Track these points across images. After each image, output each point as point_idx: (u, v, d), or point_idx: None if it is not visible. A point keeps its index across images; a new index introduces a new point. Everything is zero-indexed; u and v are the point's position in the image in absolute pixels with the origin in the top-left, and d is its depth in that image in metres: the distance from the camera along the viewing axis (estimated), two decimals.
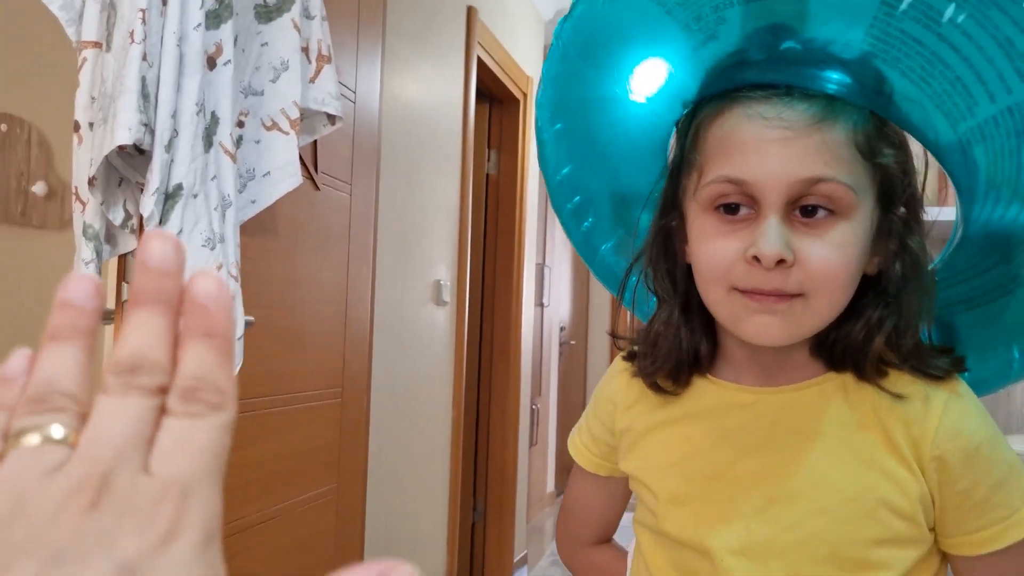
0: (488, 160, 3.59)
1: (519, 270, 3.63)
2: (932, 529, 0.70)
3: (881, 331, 0.68)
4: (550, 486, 5.11)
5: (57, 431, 0.25)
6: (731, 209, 0.66)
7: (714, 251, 0.67)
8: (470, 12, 2.91)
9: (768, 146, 0.64)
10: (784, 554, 0.69)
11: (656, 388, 0.76)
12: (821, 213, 0.64)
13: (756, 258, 0.64)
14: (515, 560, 3.64)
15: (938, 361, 0.69)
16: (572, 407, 5.61)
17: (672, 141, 0.78)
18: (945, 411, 0.68)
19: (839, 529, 0.68)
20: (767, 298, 0.65)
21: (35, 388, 0.26)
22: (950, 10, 0.59)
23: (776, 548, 0.69)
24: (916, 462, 0.68)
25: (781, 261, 0.63)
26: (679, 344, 0.74)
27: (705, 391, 0.76)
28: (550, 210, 5.34)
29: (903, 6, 0.60)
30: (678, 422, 0.76)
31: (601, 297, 5.96)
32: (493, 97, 3.53)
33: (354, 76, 1.89)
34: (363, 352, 2.01)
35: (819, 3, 0.63)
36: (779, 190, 0.63)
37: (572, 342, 5.53)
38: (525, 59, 3.63)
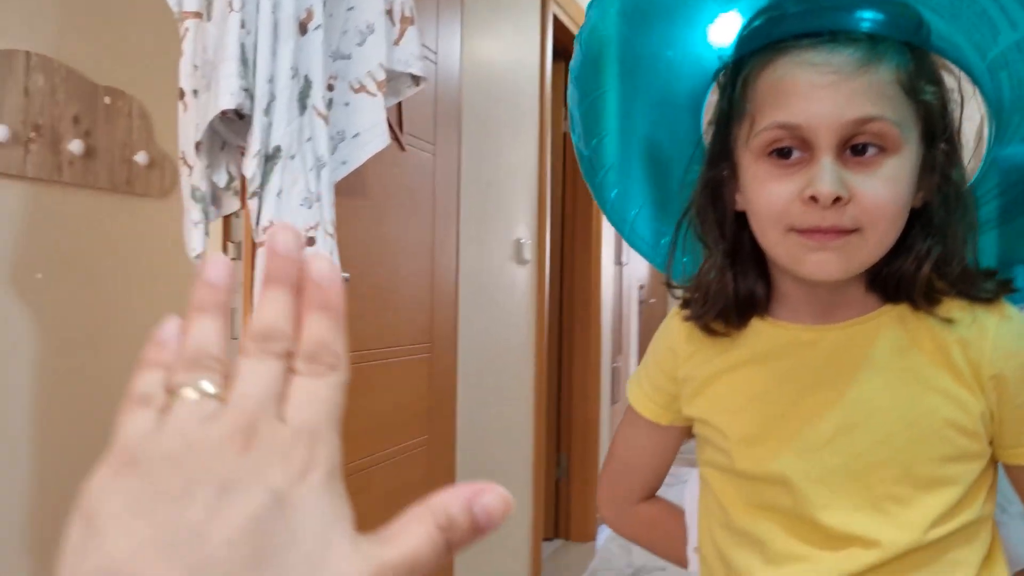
0: (565, 119, 3.59)
1: (597, 229, 3.64)
2: (990, 443, 0.74)
3: (929, 260, 0.71)
4: None
5: (209, 387, 0.30)
6: (785, 153, 0.69)
7: (771, 194, 0.70)
8: None
9: (819, 91, 0.67)
10: (859, 478, 0.73)
11: (709, 331, 0.80)
12: (871, 151, 0.67)
13: (813, 198, 0.67)
14: (598, 516, 3.69)
15: (986, 284, 0.73)
16: None
17: (710, 99, 0.81)
18: (998, 332, 0.72)
19: (909, 451, 0.72)
20: (824, 235, 0.68)
21: (189, 352, 0.31)
22: None
23: (851, 473, 0.73)
24: (975, 382, 0.72)
25: (837, 199, 0.66)
26: (727, 287, 0.78)
27: (766, 333, 0.79)
28: None
29: None
30: (743, 365, 0.79)
31: None
32: (569, 55, 3.52)
33: (435, 37, 1.93)
34: (450, 309, 2.07)
35: None
36: (832, 132, 0.67)
37: (651, 300, 5.51)
38: None
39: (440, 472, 2.03)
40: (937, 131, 0.71)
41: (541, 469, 2.97)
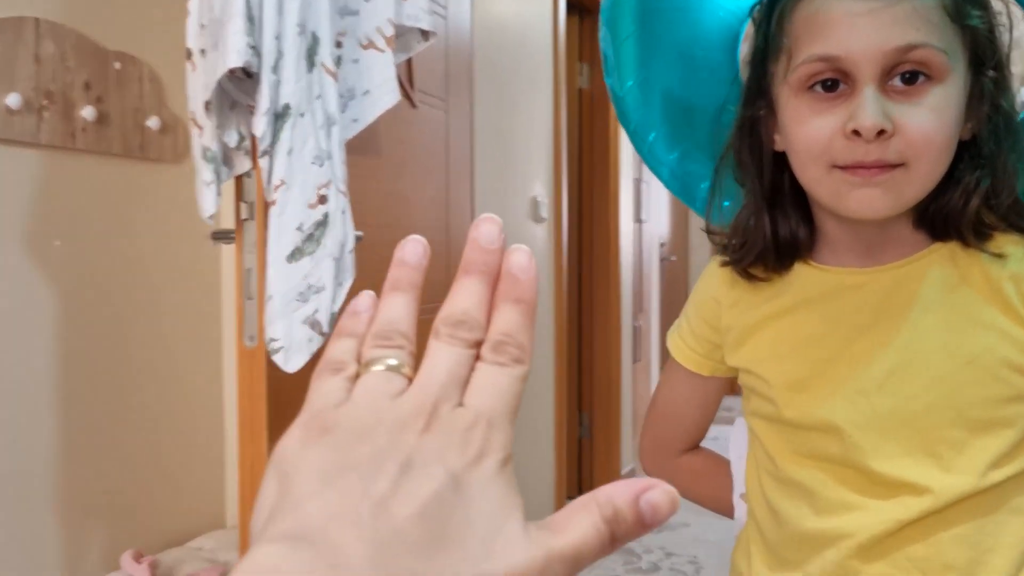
0: (580, 75, 3.55)
1: (615, 186, 3.61)
2: None
3: (978, 194, 0.68)
4: None
5: (397, 363, 0.32)
6: (826, 86, 0.67)
7: (812, 130, 0.67)
8: None
9: (858, 19, 0.64)
10: (911, 422, 0.70)
11: (748, 276, 0.77)
12: (918, 79, 0.65)
13: (856, 132, 0.64)
14: (622, 474, 3.71)
15: None
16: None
17: (746, 34, 0.78)
18: None
19: (963, 392, 0.69)
20: (868, 171, 0.65)
21: (381, 326, 0.33)
22: None
23: (903, 418, 0.70)
24: None
25: (881, 132, 0.64)
26: (764, 230, 0.75)
27: (810, 278, 0.76)
28: None
29: None
30: (789, 311, 0.77)
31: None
32: (584, 9, 3.47)
33: None
34: None
35: None
36: (874, 61, 0.64)
37: (673, 258, 5.48)
38: None
39: None
40: (986, 57, 0.68)
41: (563, 428, 2.98)
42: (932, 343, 0.70)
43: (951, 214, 0.69)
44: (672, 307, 5.55)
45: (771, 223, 0.75)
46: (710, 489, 0.92)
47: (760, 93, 0.74)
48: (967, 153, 0.70)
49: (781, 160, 0.74)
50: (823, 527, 0.73)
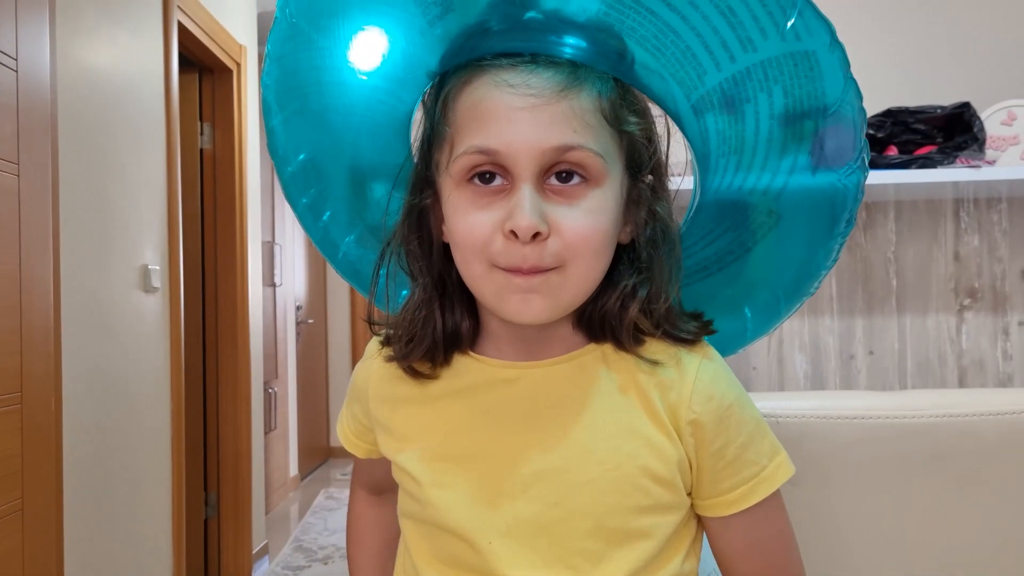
0: (201, 134, 3.37)
1: (243, 250, 3.46)
2: (689, 494, 0.72)
3: (635, 299, 0.69)
4: (293, 470, 4.97)
5: None
6: (485, 179, 0.65)
7: (471, 225, 0.66)
8: None
9: (518, 114, 0.63)
10: (550, 531, 0.68)
11: (413, 372, 0.73)
12: (574, 180, 0.64)
13: (513, 232, 0.63)
14: (255, 551, 3.51)
15: (688, 325, 0.71)
16: (314, 388, 5.48)
17: (418, 116, 0.74)
18: (698, 375, 0.70)
19: (603, 500, 0.68)
20: (526, 275, 0.64)
21: None
22: None
23: (543, 525, 0.69)
24: (673, 427, 0.69)
25: (536, 234, 0.63)
26: (434, 325, 0.72)
27: (467, 368, 0.74)
28: (278, 185, 5.17)
29: None
30: (438, 401, 0.74)
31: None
32: (203, 67, 3.31)
33: (13, 40, 1.67)
34: (47, 350, 1.81)
35: None
36: (531, 158, 0.63)
37: (310, 321, 5.39)
38: (236, 27, 3.44)
39: (41, 537, 1.77)
40: (642, 163, 0.69)
41: (182, 512, 2.74)
42: (579, 447, 0.69)
43: (608, 317, 0.69)
44: (311, 371, 5.44)
45: (441, 318, 0.72)
46: (354, 532, 0.92)
47: (427, 181, 0.71)
48: (626, 257, 0.71)
49: (448, 250, 0.71)
50: None
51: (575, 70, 0.65)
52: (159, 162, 2.66)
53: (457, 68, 0.69)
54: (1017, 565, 0.93)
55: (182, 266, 2.81)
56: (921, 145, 1.69)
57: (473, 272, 0.67)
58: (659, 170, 0.72)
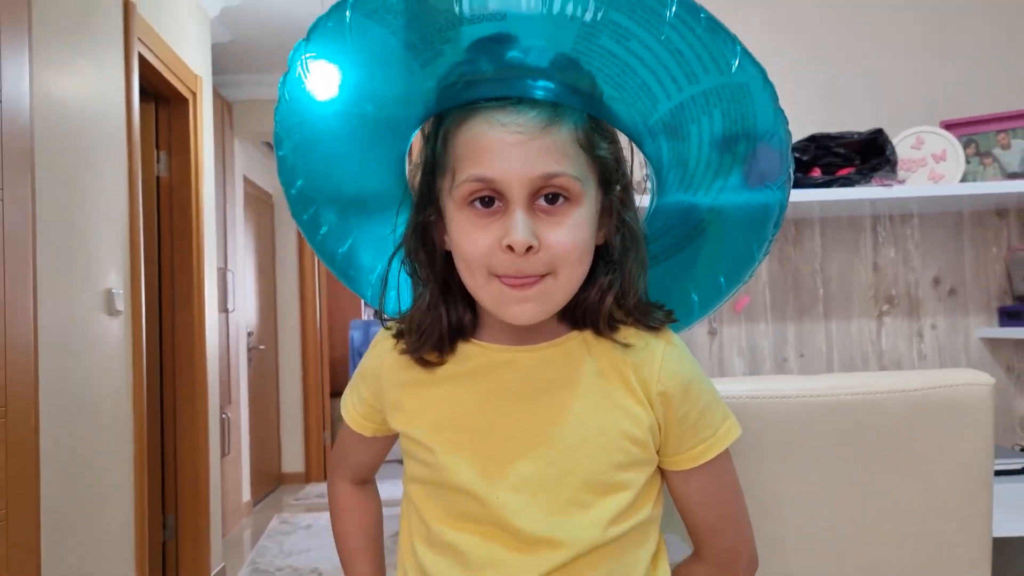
0: (158, 162, 3.43)
1: (199, 275, 3.51)
2: (657, 452, 0.86)
3: (610, 293, 0.83)
4: (246, 495, 4.97)
5: None
6: (484, 202, 0.78)
7: (475, 242, 0.79)
8: (127, 6, 2.78)
9: (509, 148, 0.77)
10: (548, 486, 0.82)
11: (424, 363, 0.87)
12: (559, 201, 0.78)
13: (510, 247, 0.76)
14: (213, 574, 3.53)
15: (655, 315, 0.86)
16: (266, 413, 5.48)
17: (415, 144, 0.88)
18: (665, 356, 0.84)
19: (592, 459, 0.82)
20: (523, 282, 0.78)
21: None
22: (635, 29, 0.74)
23: (542, 482, 0.82)
24: (646, 398, 0.84)
25: (530, 248, 0.76)
26: (441, 321, 0.85)
27: (470, 354, 0.87)
28: (230, 213, 5.20)
29: (599, 26, 0.75)
30: (445, 382, 0.87)
31: (289, 300, 5.90)
32: (160, 96, 3.38)
33: None
34: (27, 368, 1.87)
35: (527, 32, 0.76)
36: (522, 185, 0.76)
37: (261, 347, 5.41)
38: (192, 57, 3.52)
39: (23, 548, 1.82)
40: (613, 180, 0.83)
41: (144, 534, 2.77)
42: (570, 417, 0.83)
43: (588, 308, 0.84)
44: (262, 396, 5.45)
45: (447, 315, 0.85)
46: (346, 532, 1.02)
47: (430, 200, 0.85)
48: (601, 259, 0.84)
49: (450, 256, 0.84)
50: None
51: (555, 109, 0.78)
52: (121, 188, 2.72)
53: (453, 108, 0.82)
54: (920, 528, 1.07)
55: (143, 291, 2.87)
56: (841, 167, 1.87)
57: (476, 281, 0.81)
58: (627, 183, 0.86)
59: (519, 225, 0.76)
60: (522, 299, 0.79)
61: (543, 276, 0.79)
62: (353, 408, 0.97)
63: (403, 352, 0.88)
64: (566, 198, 0.78)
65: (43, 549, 1.97)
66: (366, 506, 1.04)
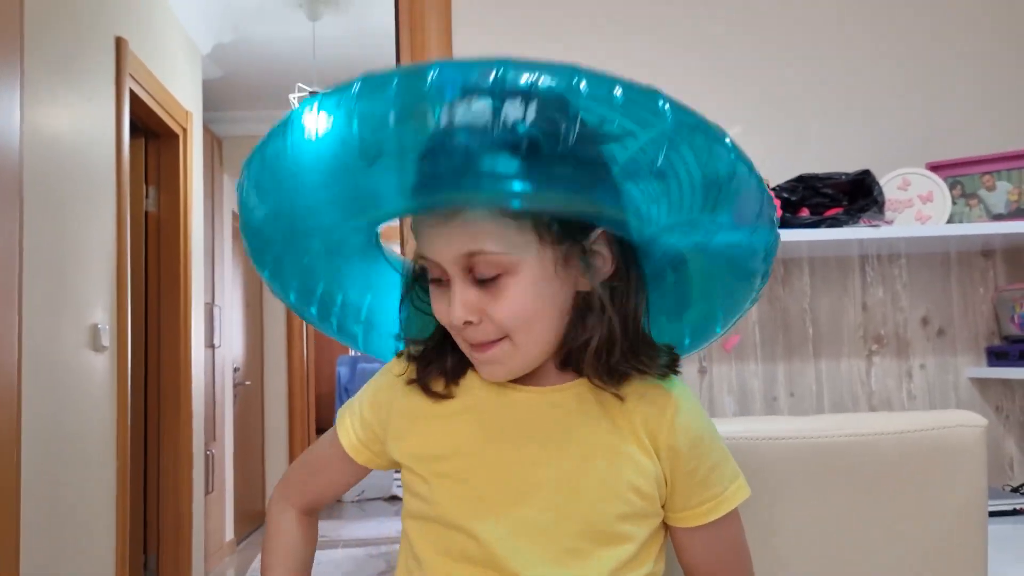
0: (147, 197, 3.43)
1: (187, 311, 3.50)
2: (663, 506, 0.84)
3: (593, 340, 0.79)
4: (229, 534, 4.89)
5: None
6: (436, 276, 0.79)
7: (437, 312, 0.81)
8: (119, 43, 2.79)
9: (431, 229, 0.77)
10: (547, 532, 0.80)
11: (431, 393, 0.86)
12: (493, 274, 0.76)
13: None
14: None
15: (659, 361, 0.82)
16: (250, 451, 5.42)
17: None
18: (677, 409, 0.82)
19: (593, 508, 0.80)
20: (480, 348, 0.79)
21: None
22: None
23: (541, 526, 0.80)
24: (654, 449, 0.82)
25: (469, 322, 0.77)
26: (447, 355, 0.85)
27: (478, 388, 0.85)
28: (218, 248, 5.17)
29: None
30: (451, 417, 0.85)
31: (276, 335, 5.86)
32: (149, 132, 3.39)
33: None
34: (10, 401, 1.85)
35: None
36: (450, 263, 0.76)
37: (247, 383, 5.37)
38: (183, 93, 3.53)
39: None
40: (573, 228, 0.76)
41: (124, 574, 2.72)
42: (574, 463, 0.81)
43: (586, 359, 0.80)
44: (247, 433, 5.40)
45: (452, 349, 0.84)
46: (275, 553, 0.96)
47: (414, 277, 0.87)
48: (586, 305, 0.80)
49: None
50: None
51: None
52: (109, 223, 2.72)
53: None
54: (914, 571, 1.07)
55: (130, 327, 2.85)
56: (829, 207, 1.88)
57: (458, 341, 0.82)
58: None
59: (454, 302, 0.77)
60: (486, 361, 0.80)
61: (499, 340, 0.78)
62: (353, 431, 0.93)
63: (410, 381, 0.88)
64: (500, 271, 0.76)
65: None
66: (309, 542, 0.99)
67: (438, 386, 0.86)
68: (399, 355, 0.91)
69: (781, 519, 1.06)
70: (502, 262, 0.75)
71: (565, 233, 0.76)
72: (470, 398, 0.86)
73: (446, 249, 0.76)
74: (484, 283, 0.76)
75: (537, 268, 0.76)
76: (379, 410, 0.91)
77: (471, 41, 2.09)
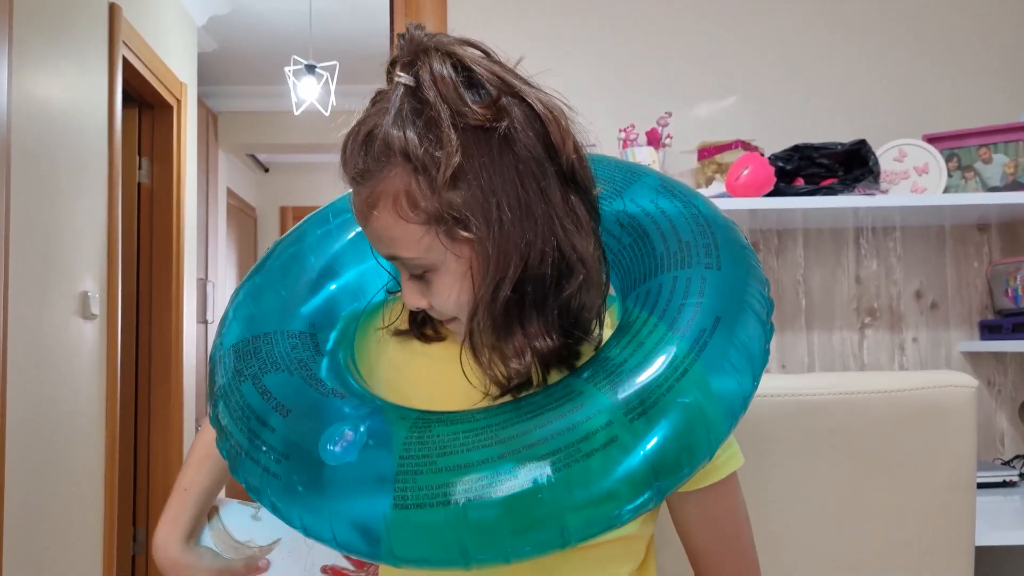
0: (140, 168, 3.40)
1: (179, 285, 3.47)
2: None
3: (531, 327, 0.75)
4: None
5: None
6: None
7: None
8: (112, 9, 2.76)
9: (369, 234, 0.78)
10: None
11: (423, 337, 0.88)
12: (420, 272, 0.76)
13: None
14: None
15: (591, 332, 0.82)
16: None
17: None
18: None
19: None
20: (442, 322, 0.82)
21: None
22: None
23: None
24: None
25: (421, 308, 0.79)
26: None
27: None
28: (211, 223, 5.13)
29: None
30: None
31: None
32: (143, 102, 3.36)
33: None
34: None
35: None
36: (392, 260, 0.77)
37: None
38: (178, 64, 3.50)
39: None
40: (490, 218, 0.71)
41: (113, 548, 2.71)
42: None
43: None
44: None
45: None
46: (196, 450, 0.98)
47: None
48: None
49: None
50: None
51: (371, 191, 0.73)
52: (101, 192, 2.69)
53: None
54: (902, 530, 1.06)
55: (120, 295, 2.83)
56: (825, 177, 1.86)
57: None
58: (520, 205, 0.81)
59: (406, 290, 0.79)
60: (454, 329, 0.82)
61: (452, 319, 0.80)
62: None
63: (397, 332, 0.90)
64: (426, 269, 0.76)
65: (5, 560, 1.92)
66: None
67: (428, 331, 0.88)
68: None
69: (769, 477, 1.05)
70: (422, 263, 0.75)
71: (488, 222, 0.72)
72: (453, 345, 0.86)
73: (381, 248, 0.77)
74: (419, 277, 0.77)
75: (456, 263, 0.74)
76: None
77: (464, 16, 2.07)
